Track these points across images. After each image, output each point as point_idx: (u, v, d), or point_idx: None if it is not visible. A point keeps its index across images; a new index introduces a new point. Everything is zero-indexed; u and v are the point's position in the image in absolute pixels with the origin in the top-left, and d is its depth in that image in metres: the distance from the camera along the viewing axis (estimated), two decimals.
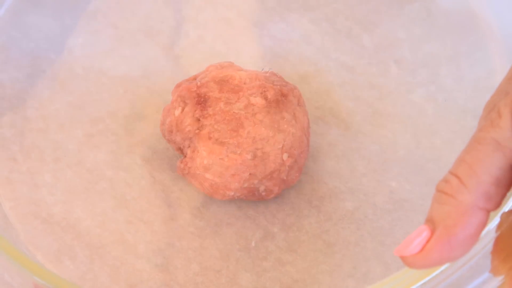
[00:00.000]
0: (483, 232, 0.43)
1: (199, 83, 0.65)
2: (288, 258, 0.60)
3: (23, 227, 0.61)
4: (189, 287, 0.59)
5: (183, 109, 0.64)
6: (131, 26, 0.69)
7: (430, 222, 0.42)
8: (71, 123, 0.65)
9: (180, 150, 0.64)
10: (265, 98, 0.64)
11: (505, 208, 0.49)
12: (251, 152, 0.62)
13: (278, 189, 0.63)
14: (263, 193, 0.62)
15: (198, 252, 0.61)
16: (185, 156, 0.64)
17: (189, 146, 0.64)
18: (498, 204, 0.42)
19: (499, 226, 0.45)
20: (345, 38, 0.68)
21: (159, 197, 0.63)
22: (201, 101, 0.64)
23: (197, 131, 0.63)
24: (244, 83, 0.65)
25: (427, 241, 0.42)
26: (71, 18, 0.69)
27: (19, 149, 0.64)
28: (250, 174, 0.62)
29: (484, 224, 0.42)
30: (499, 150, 0.41)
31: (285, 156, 0.62)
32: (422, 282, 0.51)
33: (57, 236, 0.61)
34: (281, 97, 0.65)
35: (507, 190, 0.42)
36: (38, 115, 0.65)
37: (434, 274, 0.51)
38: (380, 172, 0.63)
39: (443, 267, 0.51)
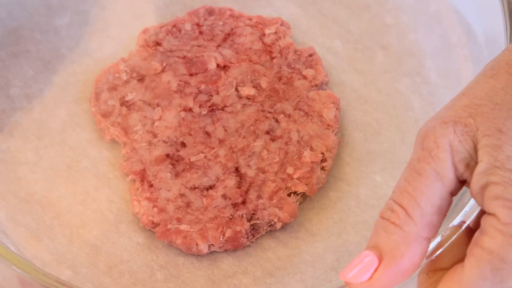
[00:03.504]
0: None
1: (165, 64, 0.60)
2: (270, 244, 0.60)
3: (2, 205, 0.61)
4: (170, 268, 0.59)
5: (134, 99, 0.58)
6: (118, 6, 0.68)
7: (376, 249, 0.44)
8: (54, 103, 0.65)
9: (111, 138, 0.61)
10: (257, 87, 0.59)
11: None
12: (234, 176, 0.56)
13: (296, 214, 0.58)
14: (277, 225, 0.58)
15: None
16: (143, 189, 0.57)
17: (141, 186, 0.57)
18: (437, 232, 0.45)
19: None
20: (332, 23, 0.68)
21: None
22: (159, 95, 0.57)
23: (148, 147, 0.58)
24: (226, 66, 0.58)
25: (375, 270, 0.44)
26: None
27: None
28: (236, 210, 0.56)
29: (426, 252, 0.44)
30: (438, 180, 0.44)
31: (290, 170, 0.58)
32: None
33: (37, 215, 0.60)
34: (280, 84, 0.58)
35: (445, 215, 0.45)
36: (22, 94, 0.65)
37: None
38: (364, 163, 0.63)
39: None
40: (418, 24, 0.68)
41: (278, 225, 0.58)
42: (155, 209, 0.58)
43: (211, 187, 0.58)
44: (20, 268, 0.52)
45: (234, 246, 0.58)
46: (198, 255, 0.59)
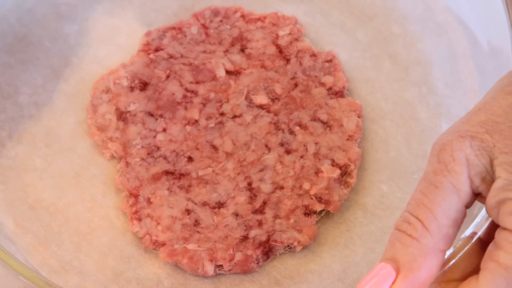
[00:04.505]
0: None
1: (168, 71, 0.57)
2: None
3: (10, 212, 0.61)
4: (177, 276, 0.59)
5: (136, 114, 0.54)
6: (126, 15, 0.69)
7: (393, 261, 0.45)
8: (63, 110, 0.65)
9: (110, 154, 0.60)
10: (271, 95, 0.56)
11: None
12: (245, 191, 0.53)
13: (316, 234, 0.56)
14: (297, 248, 0.56)
15: None
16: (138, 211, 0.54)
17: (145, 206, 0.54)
18: (452, 244, 0.45)
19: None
20: (339, 31, 0.68)
21: None
22: (163, 106, 0.54)
23: (145, 164, 0.55)
24: (236, 73, 0.56)
25: (393, 282, 0.44)
26: (67, 5, 0.69)
27: (8, 135, 0.64)
28: (249, 230, 0.54)
29: (442, 263, 0.45)
30: (454, 193, 0.44)
31: (306, 185, 0.56)
32: None
33: (45, 222, 0.60)
34: (297, 92, 0.55)
35: (460, 227, 0.45)
36: (31, 102, 0.65)
37: None
38: (371, 172, 0.63)
39: None
40: (425, 33, 0.68)
41: (298, 248, 0.57)
42: (159, 227, 0.56)
43: (222, 204, 0.56)
44: (26, 278, 0.53)
45: (243, 270, 0.56)
46: None
